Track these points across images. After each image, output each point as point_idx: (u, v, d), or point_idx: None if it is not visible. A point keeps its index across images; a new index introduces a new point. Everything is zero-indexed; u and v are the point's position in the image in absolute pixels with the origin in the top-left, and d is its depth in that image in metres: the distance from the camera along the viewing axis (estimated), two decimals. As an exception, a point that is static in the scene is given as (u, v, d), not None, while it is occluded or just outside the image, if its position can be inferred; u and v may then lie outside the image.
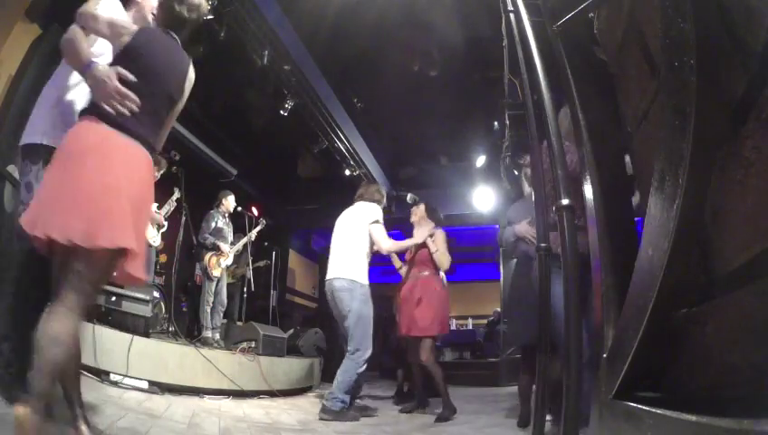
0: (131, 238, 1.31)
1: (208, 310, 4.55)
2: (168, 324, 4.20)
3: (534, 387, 2.25)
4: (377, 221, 3.22)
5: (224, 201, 4.88)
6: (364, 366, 3.00)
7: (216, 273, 4.62)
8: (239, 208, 5.08)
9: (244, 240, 5.04)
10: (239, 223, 5.20)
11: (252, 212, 5.36)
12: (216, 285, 4.64)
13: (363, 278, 3.12)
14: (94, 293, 1.41)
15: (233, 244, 4.90)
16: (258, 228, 5.17)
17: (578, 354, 1.26)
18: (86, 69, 1.39)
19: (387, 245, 3.22)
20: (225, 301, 4.79)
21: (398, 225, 5.57)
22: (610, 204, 1.40)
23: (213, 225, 4.75)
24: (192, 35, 1.70)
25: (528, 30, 1.62)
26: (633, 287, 1.06)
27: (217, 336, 4.60)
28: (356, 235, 3.20)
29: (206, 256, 4.62)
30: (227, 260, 4.76)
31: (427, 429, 2.75)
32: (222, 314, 4.79)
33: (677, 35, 0.87)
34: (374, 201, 3.36)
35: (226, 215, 4.91)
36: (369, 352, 3.02)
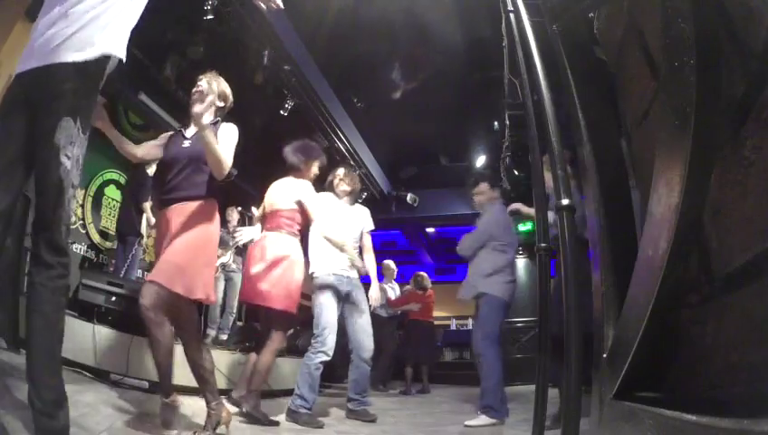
0: None
1: (218, 310, 4.53)
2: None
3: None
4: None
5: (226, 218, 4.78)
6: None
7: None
8: (239, 208, 5.05)
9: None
10: (239, 223, 5.14)
11: (252, 212, 5.31)
12: (221, 284, 4.59)
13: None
14: None
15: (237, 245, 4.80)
16: None
17: (578, 354, 1.26)
18: None
19: None
20: (234, 304, 4.66)
21: (399, 224, 5.56)
22: (610, 204, 1.40)
23: None
24: (192, 36, 1.71)
25: (528, 30, 1.62)
26: (633, 287, 1.06)
27: (224, 337, 4.56)
28: None
29: None
30: (224, 258, 4.65)
31: (427, 429, 2.74)
32: (233, 318, 4.71)
33: (677, 35, 0.87)
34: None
35: (229, 226, 4.81)
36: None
